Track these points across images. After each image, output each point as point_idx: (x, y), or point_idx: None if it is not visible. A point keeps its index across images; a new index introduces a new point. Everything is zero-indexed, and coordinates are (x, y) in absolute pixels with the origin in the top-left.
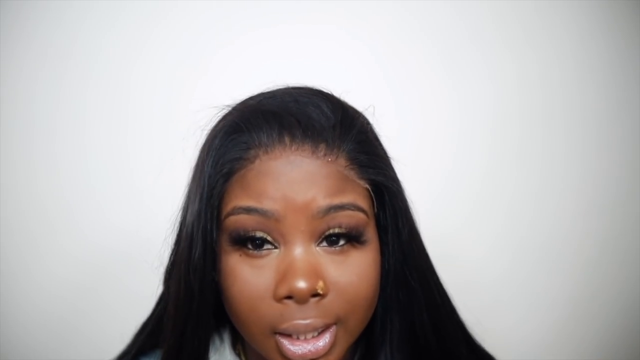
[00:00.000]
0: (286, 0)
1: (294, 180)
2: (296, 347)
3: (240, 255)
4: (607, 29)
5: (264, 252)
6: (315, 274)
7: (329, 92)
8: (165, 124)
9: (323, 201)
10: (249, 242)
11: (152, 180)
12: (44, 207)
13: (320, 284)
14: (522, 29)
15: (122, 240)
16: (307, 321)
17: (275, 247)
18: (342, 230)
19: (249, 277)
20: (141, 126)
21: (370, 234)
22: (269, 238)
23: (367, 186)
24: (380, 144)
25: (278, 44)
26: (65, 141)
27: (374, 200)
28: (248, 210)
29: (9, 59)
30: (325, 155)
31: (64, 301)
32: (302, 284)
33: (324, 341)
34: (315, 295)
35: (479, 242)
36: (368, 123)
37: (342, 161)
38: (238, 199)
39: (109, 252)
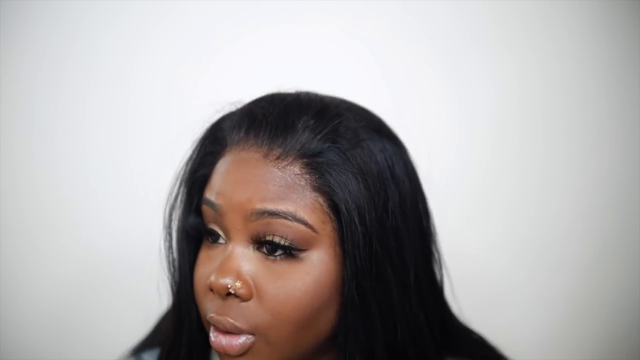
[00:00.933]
0: (286, 0)
1: (237, 179)
2: (216, 337)
3: (205, 244)
4: (608, 29)
5: (217, 244)
6: (236, 273)
7: (330, 99)
8: (165, 125)
9: (258, 204)
10: (209, 233)
11: (153, 182)
12: (43, 208)
13: (238, 284)
14: (522, 29)
15: (122, 242)
16: (221, 317)
17: (225, 241)
18: (277, 239)
19: (202, 265)
20: (141, 127)
21: (318, 250)
22: (220, 231)
23: (320, 200)
24: (369, 161)
25: (278, 44)
26: (65, 142)
27: (332, 216)
28: (206, 202)
29: (8, 58)
30: (277, 159)
31: (63, 302)
32: (218, 280)
33: (237, 341)
34: (231, 294)
35: (479, 242)
36: (363, 139)
37: (295, 168)
38: (206, 191)
39: (109, 254)
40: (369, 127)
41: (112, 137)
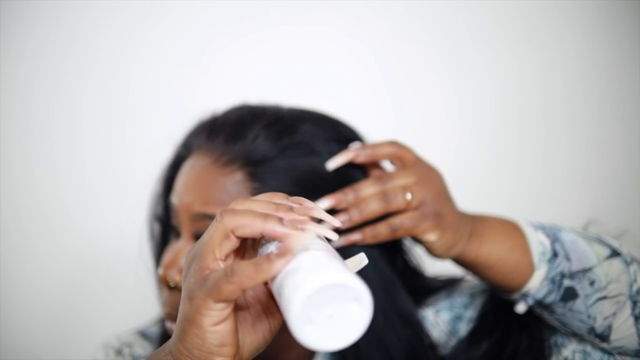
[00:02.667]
0: (286, 1)
1: (187, 182)
2: (168, 324)
3: (171, 237)
4: (609, 27)
5: (177, 239)
6: (177, 266)
7: (291, 111)
8: (164, 124)
9: (199, 207)
10: (172, 228)
11: (151, 180)
12: (41, 207)
13: (176, 276)
14: (523, 28)
15: (120, 240)
16: (166, 307)
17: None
18: None
19: (164, 257)
20: (140, 125)
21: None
22: (177, 227)
23: None
24: (321, 170)
25: (278, 45)
26: (64, 140)
27: None
28: (170, 201)
29: (6, 58)
30: (224, 165)
31: (60, 301)
32: (162, 272)
33: None
34: (171, 285)
35: None
36: (317, 150)
37: (237, 176)
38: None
39: (107, 252)
40: (329, 139)
41: (110, 136)
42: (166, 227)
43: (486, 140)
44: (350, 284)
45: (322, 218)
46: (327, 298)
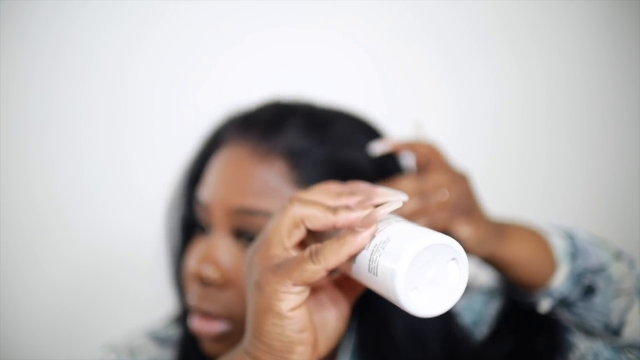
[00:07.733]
0: (287, 2)
1: (223, 176)
2: (196, 321)
3: (196, 235)
4: (613, 26)
5: (204, 235)
6: (212, 260)
7: (325, 107)
8: (163, 125)
9: (239, 201)
10: (198, 225)
11: (150, 182)
12: (38, 209)
13: (210, 270)
14: (525, 24)
15: (119, 243)
16: (201, 304)
17: (211, 233)
18: (254, 234)
19: (189, 254)
20: (140, 126)
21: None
22: (207, 223)
23: None
24: (359, 159)
25: (279, 46)
26: (62, 141)
27: None
28: (197, 197)
29: (2, 56)
30: (262, 156)
31: (59, 305)
32: (196, 267)
33: (215, 328)
34: (210, 282)
35: None
36: (353, 142)
37: (277, 166)
38: (199, 186)
39: (106, 255)
40: (364, 132)
41: (110, 137)
42: (189, 223)
43: (487, 141)
44: (449, 243)
45: (385, 195)
46: (426, 262)
